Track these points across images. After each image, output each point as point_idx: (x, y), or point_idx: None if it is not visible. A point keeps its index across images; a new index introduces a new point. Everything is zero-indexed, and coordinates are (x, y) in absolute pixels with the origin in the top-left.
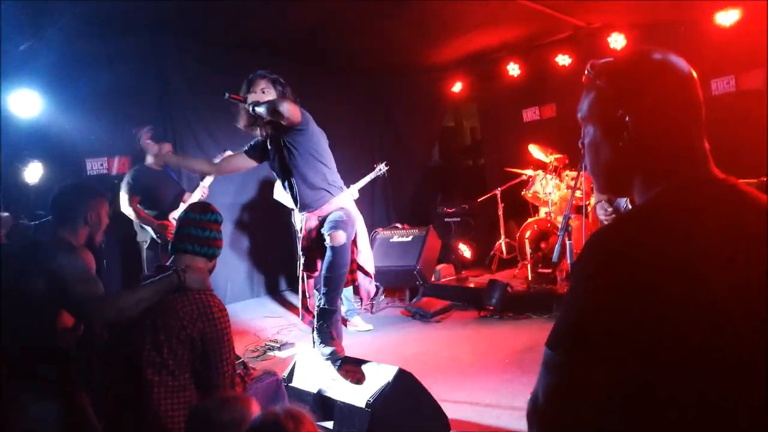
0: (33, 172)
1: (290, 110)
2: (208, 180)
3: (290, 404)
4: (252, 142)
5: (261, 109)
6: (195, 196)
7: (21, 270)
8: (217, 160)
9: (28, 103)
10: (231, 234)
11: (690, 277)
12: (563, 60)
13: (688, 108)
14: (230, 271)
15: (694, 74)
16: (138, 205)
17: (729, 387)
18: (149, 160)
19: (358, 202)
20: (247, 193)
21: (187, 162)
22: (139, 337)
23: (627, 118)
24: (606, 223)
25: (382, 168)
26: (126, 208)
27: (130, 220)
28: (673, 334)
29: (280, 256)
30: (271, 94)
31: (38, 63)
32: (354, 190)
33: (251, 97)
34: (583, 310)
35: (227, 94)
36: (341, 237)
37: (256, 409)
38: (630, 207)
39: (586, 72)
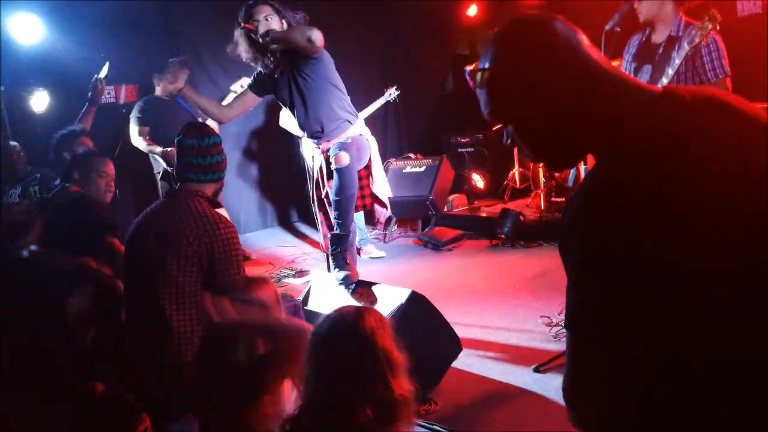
0: (39, 101)
1: (320, 38)
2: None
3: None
4: (255, 76)
5: (285, 37)
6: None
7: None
8: (231, 95)
9: (29, 28)
10: (240, 164)
11: (679, 202)
12: None
13: (586, 55)
14: (243, 201)
15: (563, 30)
16: (148, 137)
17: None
18: (158, 90)
19: (370, 130)
20: (255, 121)
21: (200, 100)
22: (147, 253)
23: (527, 87)
24: None
25: (392, 92)
26: (136, 139)
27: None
28: (672, 271)
29: (292, 187)
30: (275, 21)
31: None
32: (363, 116)
33: (261, 27)
34: (584, 287)
35: (242, 24)
36: (345, 158)
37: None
38: None
39: (468, 80)
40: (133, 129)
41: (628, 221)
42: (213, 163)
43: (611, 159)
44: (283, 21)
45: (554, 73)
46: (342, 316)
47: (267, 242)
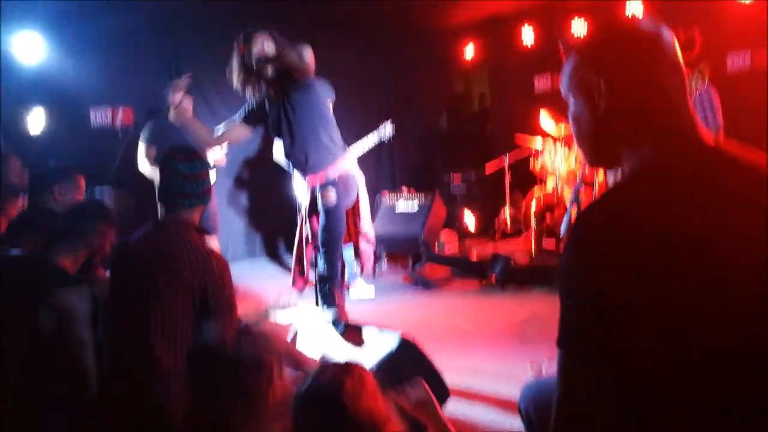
0: (36, 120)
1: (309, 54)
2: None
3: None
4: (247, 108)
5: (278, 55)
6: (215, 154)
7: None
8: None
9: (32, 47)
10: (230, 192)
11: (682, 246)
12: (580, 27)
13: (666, 72)
14: (231, 230)
15: (670, 37)
16: (154, 160)
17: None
18: (171, 115)
19: (361, 163)
20: (246, 150)
21: (196, 126)
22: (140, 288)
23: (602, 85)
24: None
25: (387, 126)
26: (142, 160)
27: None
28: (672, 305)
29: (281, 218)
30: (270, 48)
31: (43, 5)
32: (357, 151)
33: (256, 52)
34: (571, 304)
35: (238, 46)
36: (333, 196)
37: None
38: None
39: (559, 46)
40: (141, 149)
41: (640, 243)
42: (203, 189)
43: (642, 181)
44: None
45: (634, 82)
46: (321, 383)
47: (254, 273)
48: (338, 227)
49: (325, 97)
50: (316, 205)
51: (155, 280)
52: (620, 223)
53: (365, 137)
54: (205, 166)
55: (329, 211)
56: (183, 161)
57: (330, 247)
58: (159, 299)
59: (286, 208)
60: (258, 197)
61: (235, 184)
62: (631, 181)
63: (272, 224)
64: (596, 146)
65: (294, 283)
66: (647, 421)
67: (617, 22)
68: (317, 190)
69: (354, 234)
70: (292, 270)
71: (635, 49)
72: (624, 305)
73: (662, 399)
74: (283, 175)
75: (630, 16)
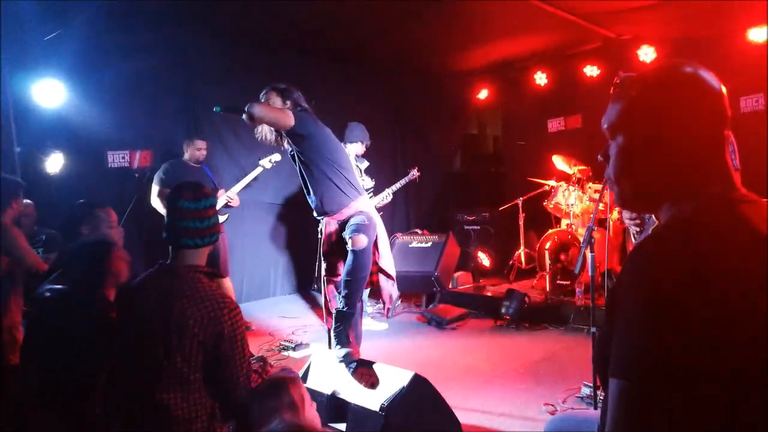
0: (54, 163)
1: (265, 113)
2: (239, 186)
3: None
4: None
5: (244, 117)
6: (222, 199)
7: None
8: (258, 169)
9: (52, 93)
10: (249, 232)
11: (728, 298)
12: (591, 71)
13: (718, 122)
14: (247, 269)
15: (724, 89)
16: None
17: None
18: (186, 155)
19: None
20: (262, 189)
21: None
22: (149, 342)
23: (660, 128)
24: (632, 228)
25: (414, 173)
26: (155, 199)
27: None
28: (724, 355)
29: (296, 257)
30: (278, 104)
31: (63, 53)
32: (388, 193)
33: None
34: (648, 332)
35: (219, 108)
36: (363, 241)
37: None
38: (654, 218)
39: (616, 81)
40: (155, 189)
41: (695, 296)
42: (210, 226)
43: (681, 231)
44: (287, 102)
45: (692, 129)
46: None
47: (268, 312)
48: (363, 271)
49: (332, 141)
50: (334, 244)
51: (165, 337)
52: (682, 266)
53: (396, 183)
54: (211, 202)
55: (357, 255)
56: (188, 199)
57: (352, 288)
58: (169, 355)
59: (300, 247)
60: (273, 236)
61: (250, 223)
62: (683, 228)
63: (286, 263)
64: (638, 189)
65: (326, 321)
66: None
67: (679, 67)
68: (346, 233)
69: (374, 274)
70: (324, 309)
71: (695, 96)
72: (696, 343)
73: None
74: (296, 215)
75: (689, 62)
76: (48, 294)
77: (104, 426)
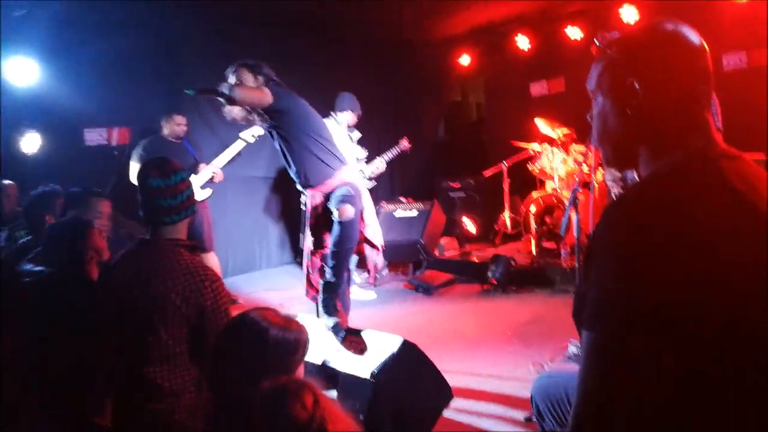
0: (30, 143)
1: (246, 95)
2: (222, 161)
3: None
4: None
5: (222, 101)
6: (204, 174)
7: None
8: (239, 142)
9: (25, 71)
10: (233, 206)
11: (701, 252)
12: (574, 33)
13: (699, 79)
14: (232, 243)
15: (706, 46)
16: None
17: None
18: (165, 131)
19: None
20: (247, 163)
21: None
22: (130, 313)
23: (637, 86)
24: (614, 189)
25: (405, 144)
26: (135, 177)
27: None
28: (695, 308)
29: (281, 229)
30: (249, 82)
31: (36, 29)
32: (381, 161)
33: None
34: (620, 281)
35: (192, 91)
36: (350, 211)
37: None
38: (636, 179)
39: (595, 42)
40: (134, 166)
41: (667, 250)
42: (183, 201)
43: (678, 180)
44: (259, 78)
45: (670, 87)
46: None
47: (255, 286)
48: (350, 242)
49: (311, 114)
50: (320, 216)
51: (148, 312)
52: (656, 221)
53: (386, 153)
54: (181, 176)
55: (344, 226)
56: (156, 176)
57: (339, 259)
58: (153, 330)
59: (286, 220)
60: (257, 210)
61: (234, 197)
62: (658, 182)
63: (271, 237)
64: (619, 146)
65: (307, 293)
66: (687, 404)
67: (659, 25)
68: (332, 204)
69: (360, 243)
70: (305, 280)
71: (675, 54)
72: (666, 296)
73: (712, 379)
74: (280, 188)
75: (670, 20)
76: (28, 279)
77: (101, 406)
